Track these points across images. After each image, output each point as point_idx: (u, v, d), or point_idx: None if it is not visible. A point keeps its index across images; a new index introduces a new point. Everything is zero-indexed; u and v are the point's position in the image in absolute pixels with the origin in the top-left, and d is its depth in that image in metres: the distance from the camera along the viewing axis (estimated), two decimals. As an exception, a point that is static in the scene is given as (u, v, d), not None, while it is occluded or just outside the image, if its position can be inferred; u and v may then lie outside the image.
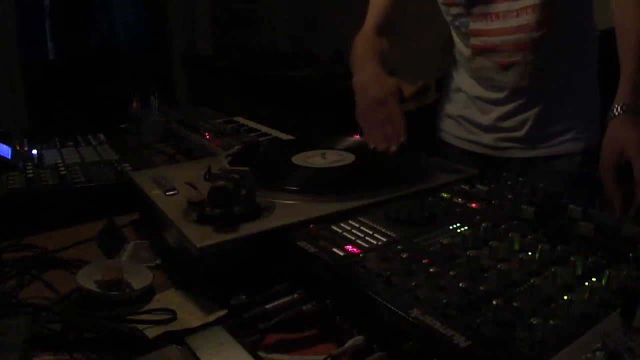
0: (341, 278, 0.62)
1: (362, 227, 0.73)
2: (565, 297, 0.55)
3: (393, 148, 0.97)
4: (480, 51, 1.24)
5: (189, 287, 0.75)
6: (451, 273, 0.59)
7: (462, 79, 1.36)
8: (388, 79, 1.08)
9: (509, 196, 0.82)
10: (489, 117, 1.30)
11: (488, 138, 1.32)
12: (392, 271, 0.60)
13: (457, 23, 1.26)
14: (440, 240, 0.67)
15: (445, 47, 1.48)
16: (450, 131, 1.42)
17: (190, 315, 0.69)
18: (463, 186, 0.87)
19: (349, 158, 1.01)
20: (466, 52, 1.29)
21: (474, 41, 1.24)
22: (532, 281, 0.56)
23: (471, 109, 1.34)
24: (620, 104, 0.95)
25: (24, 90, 3.88)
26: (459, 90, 1.37)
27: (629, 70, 0.98)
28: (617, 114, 0.95)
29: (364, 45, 1.24)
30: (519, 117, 1.25)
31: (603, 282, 0.58)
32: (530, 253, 0.64)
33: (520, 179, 0.88)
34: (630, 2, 1.01)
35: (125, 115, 1.68)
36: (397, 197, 0.84)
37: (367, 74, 1.12)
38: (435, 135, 1.47)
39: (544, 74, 1.20)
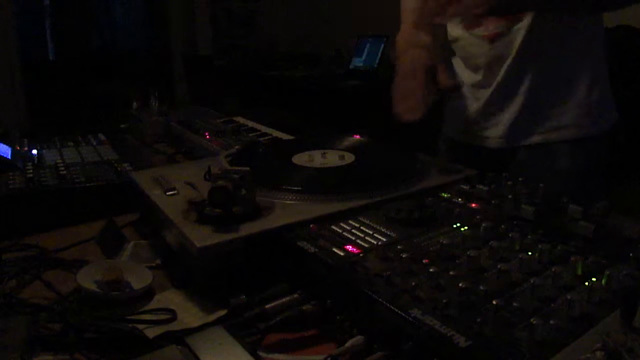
0: (341, 278, 0.62)
1: (362, 227, 0.73)
2: (566, 297, 0.54)
3: (410, 119, 1.01)
4: (467, 29, 1.24)
5: (189, 287, 0.75)
6: (451, 273, 0.59)
7: (458, 69, 1.35)
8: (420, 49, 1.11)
9: (509, 196, 0.82)
10: (478, 104, 1.29)
11: (481, 126, 1.31)
12: (392, 271, 0.60)
13: None
14: (440, 240, 0.67)
15: (445, 47, 1.48)
16: (451, 124, 1.42)
17: (190, 315, 0.69)
18: (463, 186, 0.87)
19: (349, 158, 1.01)
20: (454, 32, 1.29)
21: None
22: (532, 281, 0.56)
23: (463, 98, 1.34)
24: None
25: (24, 91, 3.88)
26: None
27: None
28: None
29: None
30: (509, 100, 1.24)
31: (603, 282, 0.58)
32: (530, 253, 0.64)
33: (520, 178, 0.88)
34: None
35: (125, 115, 1.68)
36: (397, 197, 0.84)
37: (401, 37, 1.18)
38: (440, 131, 1.47)
39: (530, 48, 1.18)
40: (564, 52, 1.21)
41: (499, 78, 1.24)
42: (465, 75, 1.33)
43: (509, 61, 1.21)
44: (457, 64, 1.36)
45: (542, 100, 1.23)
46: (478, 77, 1.28)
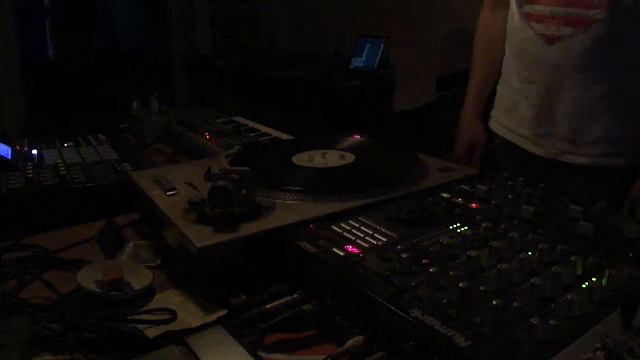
0: (341, 278, 0.62)
1: (362, 227, 0.73)
2: (566, 297, 0.54)
3: None
4: (528, 20, 1.18)
5: (189, 287, 0.75)
6: (451, 273, 0.59)
7: (507, 60, 1.32)
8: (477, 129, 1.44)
9: (509, 196, 0.82)
10: (529, 105, 1.23)
11: (529, 130, 1.25)
12: (392, 271, 0.60)
13: None
14: (440, 240, 0.67)
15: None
16: (497, 119, 1.38)
17: (190, 315, 0.69)
18: (463, 186, 0.87)
19: (349, 158, 1.01)
20: (517, 20, 1.23)
21: (526, 8, 1.20)
22: (532, 281, 0.56)
23: (516, 95, 1.28)
24: None
25: (24, 90, 3.88)
26: (507, 73, 1.32)
27: None
28: None
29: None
30: (559, 110, 1.17)
31: (603, 282, 0.58)
32: (530, 253, 0.64)
33: (520, 178, 0.88)
34: None
35: (125, 115, 1.68)
36: (397, 197, 0.84)
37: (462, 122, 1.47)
38: (486, 124, 1.44)
39: (591, 60, 1.11)
40: (628, 74, 1.12)
41: (548, 83, 1.17)
42: (517, 67, 1.27)
43: (562, 69, 1.14)
44: (511, 53, 1.30)
45: (590, 121, 1.15)
46: (526, 74, 1.23)
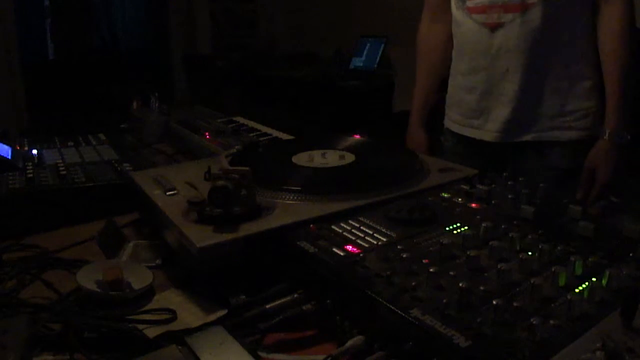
0: (341, 278, 0.62)
1: (362, 227, 0.73)
2: (566, 297, 0.54)
3: None
4: (470, 14, 1.27)
5: (189, 287, 0.75)
6: (451, 273, 0.59)
7: (453, 60, 1.39)
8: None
9: (509, 196, 0.82)
10: (473, 95, 1.31)
11: (477, 120, 1.33)
12: (392, 271, 0.60)
13: None
14: (440, 240, 0.67)
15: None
16: (448, 115, 1.44)
17: (190, 315, 0.69)
18: (463, 186, 0.87)
19: (349, 158, 1.01)
20: (459, 15, 1.31)
21: (468, 4, 1.28)
22: (532, 281, 0.56)
23: (461, 89, 1.36)
24: (608, 130, 1.19)
25: (24, 90, 3.88)
26: (453, 72, 1.40)
27: (614, 101, 1.18)
28: (605, 138, 1.20)
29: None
30: (505, 93, 1.25)
31: (603, 282, 0.58)
32: (530, 253, 0.64)
33: (520, 178, 0.88)
34: (612, 41, 1.17)
35: (125, 115, 1.68)
36: (397, 197, 0.84)
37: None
38: (441, 123, 1.50)
39: (532, 42, 1.20)
40: (566, 53, 1.22)
41: (493, 69, 1.25)
42: (461, 64, 1.34)
43: (505, 53, 1.23)
44: (456, 52, 1.38)
45: (535, 99, 1.24)
46: (472, 64, 1.30)
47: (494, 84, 1.27)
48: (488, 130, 1.31)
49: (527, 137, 1.28)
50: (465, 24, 1.30)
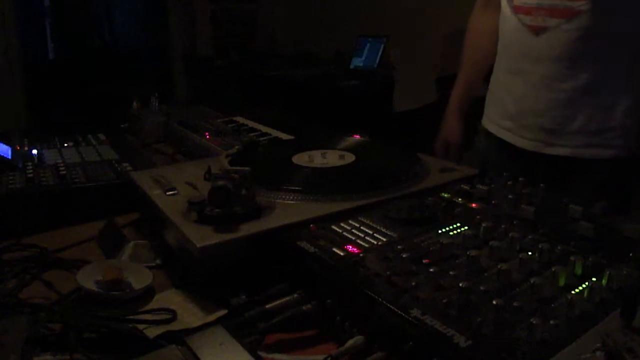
0: (341, 278, 0.62)
1: (362, 227, 0.73)
2: (566, 297, 0.54)
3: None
4: (516, 12, 1.21)
5: (189, 287, 0.75)
6: (451, 273, 0.59)
7: (498, 55, 1.33)
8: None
9: (509, 196, 0.82)
10: (512, 97, 1.26)
11: (513, 123, 1.27)
12: (392, 271, 0.60)
13: None
14: (440, 240, 0.67)
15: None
16: (487, 114, 1.40)
17: (190, 315, 0.69)
18: (463, 186, 0.87)
19: (349, 158, 1.01)
20: (506, 11, 1.26)
21: (515, 2, 1.23)
22: (532, 281, 0.56)
23: (501, 88, 1.30)
24: None
25: (24, 90, 3.88)
26: (496, 68, 1.34)
27: None
28: None
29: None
30: (543, 101, 1.19)
31: (603, 282, 0.58)
32: (530, 253, 0.64)
33: (520, 179, 0.88)
34: None
35: (125, 115, 1.68)
36: (397, 197, 0.84)
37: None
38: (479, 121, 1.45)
39: (576, 51, 1.13)
40: (611, 68, 1.14)
41: (533, 75, 1.19)
42: (503, 61, 1.30)
43: (547, 60, 1.16)
44: (499, 49, 1.32)
45: (573, 113, 1.17)
46: (513, 65, 1.25)
47: (532, 89, 1.21)
48: (521, 136, 1.25)
49: (564, 152, 1.19)
50: (510, 22, 1.24)
